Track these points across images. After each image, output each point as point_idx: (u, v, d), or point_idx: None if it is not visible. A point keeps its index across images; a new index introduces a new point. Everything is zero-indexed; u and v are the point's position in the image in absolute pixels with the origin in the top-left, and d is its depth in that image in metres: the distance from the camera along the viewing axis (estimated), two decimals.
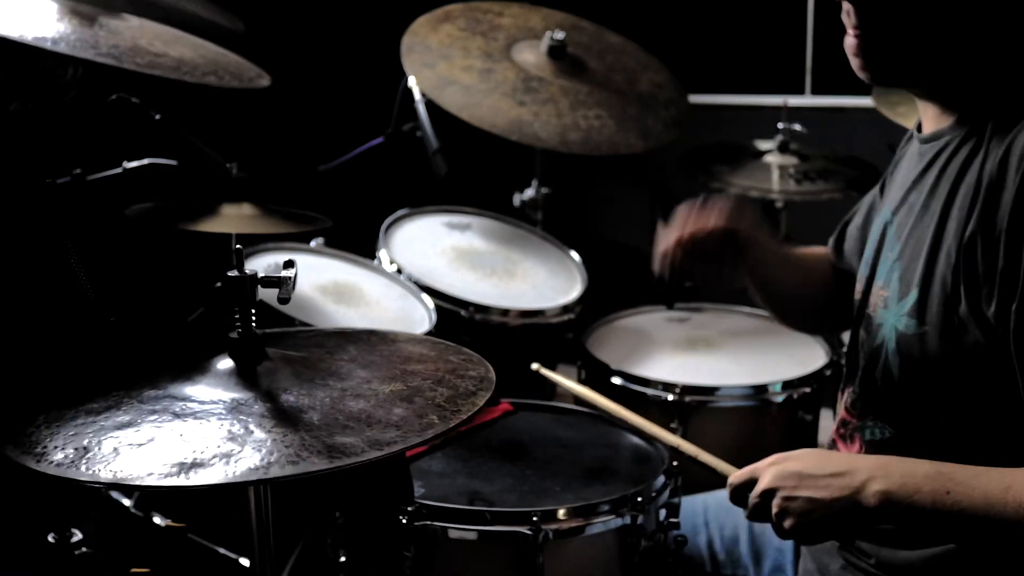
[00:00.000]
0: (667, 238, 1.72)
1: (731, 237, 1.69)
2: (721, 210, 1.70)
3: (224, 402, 1.20)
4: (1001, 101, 1.33)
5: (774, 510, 1.33)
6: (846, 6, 1.36)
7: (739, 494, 1.40)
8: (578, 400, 2.29)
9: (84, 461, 1.11)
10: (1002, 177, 1.26)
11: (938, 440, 1.36)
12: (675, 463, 1.66)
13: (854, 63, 1.38)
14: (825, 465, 1.32)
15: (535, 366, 1.82)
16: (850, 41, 1.37)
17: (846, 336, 2.36)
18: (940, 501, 1.25)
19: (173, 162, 1.98)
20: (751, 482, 1.38)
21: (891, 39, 1.34)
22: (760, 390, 2.22)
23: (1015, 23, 1.33)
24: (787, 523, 1.32)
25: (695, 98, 2.88)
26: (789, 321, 1.90)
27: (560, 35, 2.62)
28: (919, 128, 1.47)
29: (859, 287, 1.54)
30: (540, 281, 2.52)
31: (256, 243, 2.27)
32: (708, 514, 1.75)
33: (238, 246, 1.27)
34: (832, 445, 1.54)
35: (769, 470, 1.35)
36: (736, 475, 1.41)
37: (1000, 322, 1.26)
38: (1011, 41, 1.34)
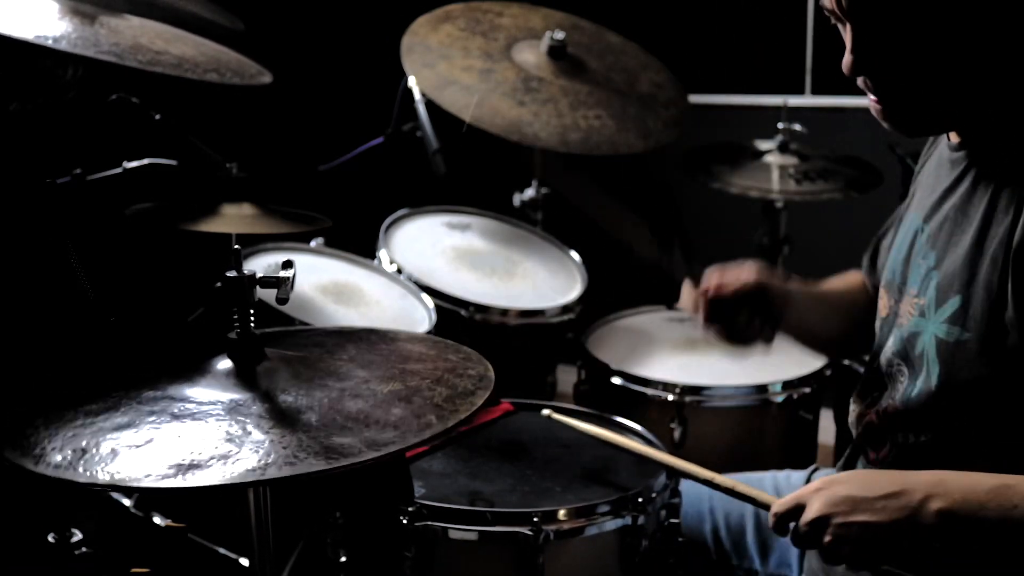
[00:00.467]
0: (695, 292, 1.69)
1: (761, 293, 1.66)
2: (749, 268, 1.68)
3: (222, 403, 1.20)
4: None
5: (827, 538, 1.28)
6: (861, 79, 1.36)
7: (783, 523, 1.35)
8: (579, 401, 2.30)
9: (82, 463, 1.11)
10: None
11: (976, 445, 1.34)
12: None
13: (879, 119, 1.39)
14: (876, 486, 1.28)
15: (546, 412, 1.80)
16: (872, 104, 1.38)
17: None
18: (1008, 516, 1.20)
19: (173, 162, 1.98)
20: (796, 510, 1.33)
21: (909, 102, 1.35)
22: (760, 390, 2.21)
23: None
24: (845, 550, 1.27)
25: (695, 98, 2.87)
26: (829, 354, 1.88)
27: (560, 35, 2.61)
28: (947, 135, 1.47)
29: (886, 294, 1.53)
30: (540, 281, 2.52)
31: (256, 243, 2.27)
32: (714, 500, 1.73)
33: (236, 246, 1.27)
34: (857, 449, 1.53)
35: (817, 496, 1.30)
36: (779, 504, 1.36)
37: None
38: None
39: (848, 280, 1.80)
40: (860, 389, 1.55)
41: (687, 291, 1.70)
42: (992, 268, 1.30)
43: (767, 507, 1.40)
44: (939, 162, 1.48)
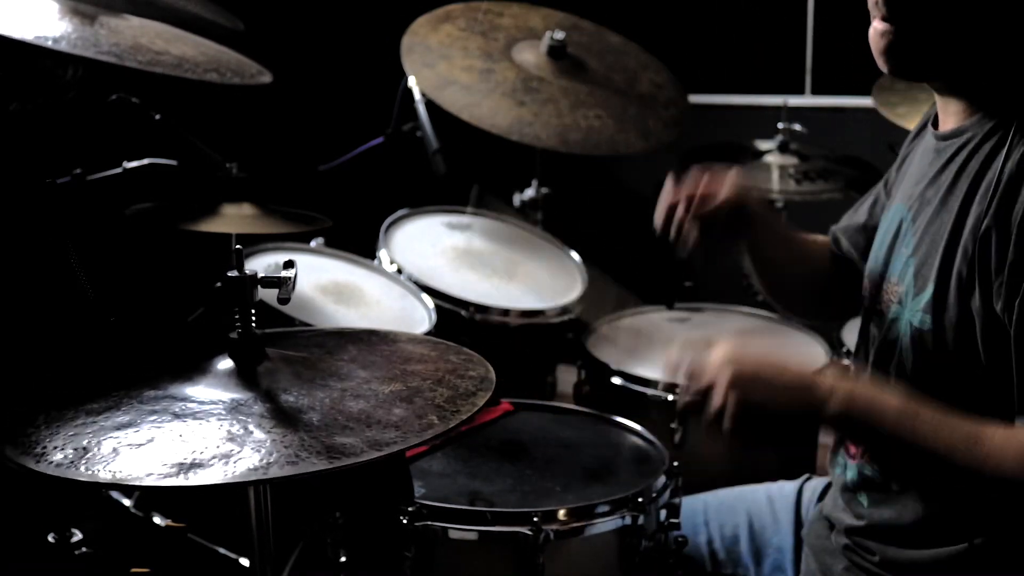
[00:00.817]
0: (675, 194, 1.65)
1: (740, 210, 1.64)
2: (733, 181, 1.64)
3: (224, 402, 1.20)
4: None
5: (730, 408, 1.31)
6: None
7: (695, 402, 1.36)
8: (578, 400, 2.30)
9: (84, 461, 1.11)
10: (1022, 172, 1.26)
11: None
12: (675, 463, 1.66)
13: (876, 48, 1.34)
14: (783, 374, 1.33)
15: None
16: (879, 29, 1.33)
17: (846, 337, 2.37)
18: (900, 435, 1.28)
19: (173, 162, 1.98)
20: (699, 372, 1.35)
21: (923, 30, 1.31)
22: None
23: None
24: (738, 422, 1.30)
25: (695, 98, 2.88)
26: (783, 302, 1.85)
27: (560, 35, 2.62)
28: (935, 124, 1.47)
29: (869, 283, 1.53)
30: (540, 281, 2.52)
31: (256, 243, 2.27)
32: (708, 513, 1.75)
33: (238, 246, 1.27)
34: (839, 442, 1.54)
35: (724, 369, 1.33)
36: (681, 366, 1.38)
37: (1007, 316, 1.26)
38: None
39: (818, 239, 1.80)
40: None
41: (667, 189, 1.65)
42: (963, 257, 1.31)
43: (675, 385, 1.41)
44: (924, 152, 1.48)
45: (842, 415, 1.30)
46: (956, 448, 1.25)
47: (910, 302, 1.38)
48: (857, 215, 1.72)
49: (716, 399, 1.32)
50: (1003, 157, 1.30)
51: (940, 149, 1.42)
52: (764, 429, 1.32)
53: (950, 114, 1.42)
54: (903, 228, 1.45)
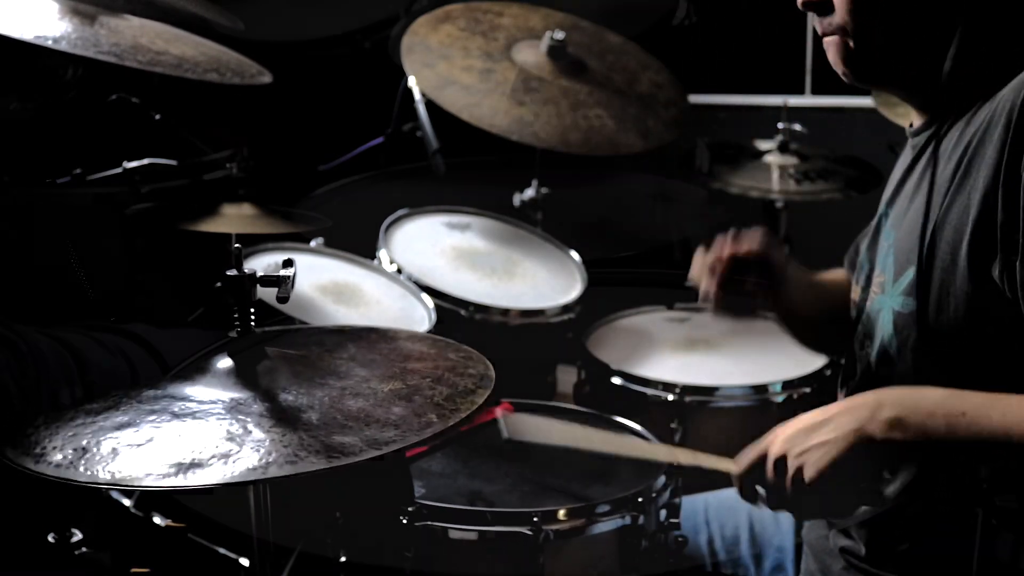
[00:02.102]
0: (706, 258, 1.67)
1: (765, 264, 1.65)
2: (755, 238, 1.66)
3: (223, 402, 1.20)
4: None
5: (790, 472, 1.28)
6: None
7: (748, 483, 1.35)
8: (578, 400, 2.30)
9: (83, 462, 1.11)
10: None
11: None
12: (675, 463, 1.66)
13: (839, 66, 1.41)
14: (828, 411, 1.29)
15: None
16: (835, 43, 1.39)
17: None
18: (955, 424, 1.21)
19: (173, 162, 1.98)
20: (759, 463, 1.33)
21: (874, 38, 1.36)
22: (760, 390, 2.21)
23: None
24: (808, 474, 1.26)
25: (695, 98, 2.87)
26: (811, 345, 1.87)
27: (560, 35, 2.62)
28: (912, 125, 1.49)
29: (857, 286, 1.54)
30: (540, 281, 2.52)
31: (256, 243, 2.27)
32: (709, 513, 1.75)
33: (237, 245, 1.27)
34: None
35: (775, 440, 1.31)
36: (741, 463, 1.35)
37: (1007, 281, 1.25)
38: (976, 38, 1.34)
39: (836, 274, 1.81)
40: (840, 379, 1.56)
41: (698, 259, 1.67)
42: (946, 238, 1.30)
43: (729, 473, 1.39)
44: (904, 153, 1.50)
45: (890, 416, 1.24)
46: (1010, 419, 1.19)
47: (891, 287, 1.39)
48: (860, 235, 1.73)
49: (769, 469, 1.30)
50: (970, 130, 1.31)
51: (913, 145, 1.45)
52: (832, 470, 1.26)
53: (920, 115, 1.46)
54: (883, 224, 1.47)
